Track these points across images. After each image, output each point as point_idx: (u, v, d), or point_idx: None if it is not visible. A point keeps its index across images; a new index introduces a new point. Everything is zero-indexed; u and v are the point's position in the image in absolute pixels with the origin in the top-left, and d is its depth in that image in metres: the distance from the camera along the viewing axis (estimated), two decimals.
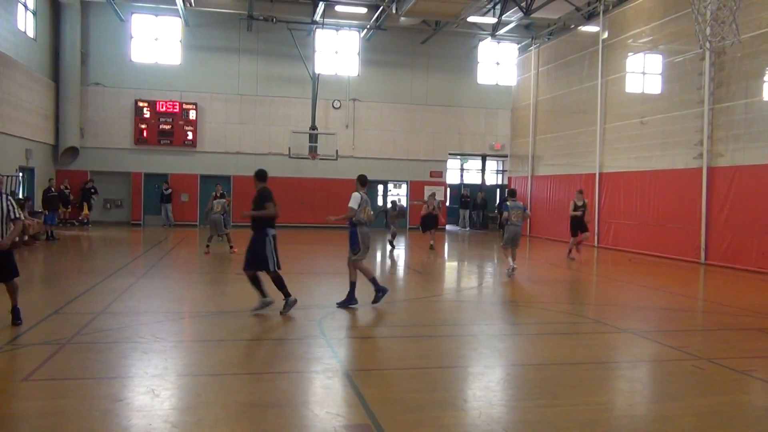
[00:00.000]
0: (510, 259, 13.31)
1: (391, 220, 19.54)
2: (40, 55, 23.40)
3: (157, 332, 7.45)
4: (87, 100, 25.78)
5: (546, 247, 21.80)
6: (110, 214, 26.67)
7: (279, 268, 8.72)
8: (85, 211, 24.99)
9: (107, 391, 5.37)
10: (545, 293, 11.43)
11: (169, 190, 26.35)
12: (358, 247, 9.29)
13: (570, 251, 17.32)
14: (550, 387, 5.80)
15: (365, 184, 9.64)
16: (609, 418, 5.09)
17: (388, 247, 18.88)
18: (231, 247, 16.36)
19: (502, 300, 11.12)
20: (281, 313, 8.58)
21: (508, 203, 13.58)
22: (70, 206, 24.36)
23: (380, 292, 9.38)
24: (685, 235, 17.44)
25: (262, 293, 8.71)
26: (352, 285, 9.39)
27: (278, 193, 27.48)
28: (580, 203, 17.05)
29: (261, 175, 9.04)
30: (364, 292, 9.43)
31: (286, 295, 8.68)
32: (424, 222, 19.62)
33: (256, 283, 8.74)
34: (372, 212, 9.47)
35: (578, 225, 17.00)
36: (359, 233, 9.28)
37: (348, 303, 9.28)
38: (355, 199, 9.30)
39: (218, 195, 16.51)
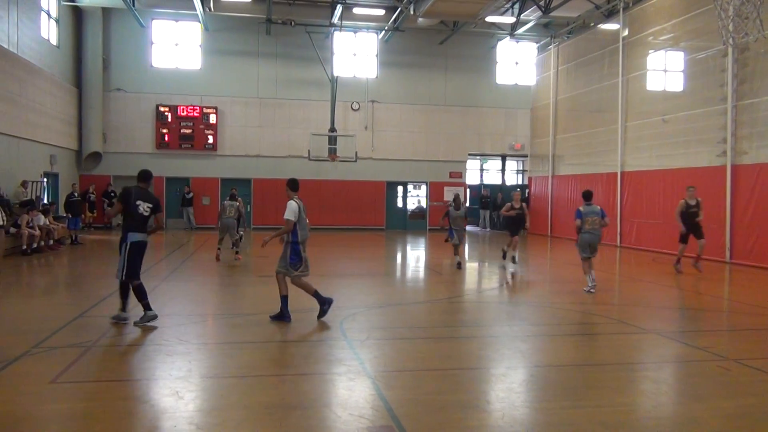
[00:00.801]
0: (590, 274, 11.27)
1: (455, 225, 14.43)
2: (63, 62, 23.77)
3: (181, 335, 7.53)
4: (109, 105, 26.14)
5: (567, 247, 21.57)
6: None
7: (132, 278, 7.95)
8: None
9: (132, 393, 5.44)
10: (567, 294, 11.33)
11: (191, 194, 26.59)
12: (299, 263, 8.27)
13: (678, 260, 14.22)
14: (573, 388, 5.76)
15: (297, 188, 8.43)
16: (634, 420, 5.04)
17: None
18: (236, 252, 15.77)
19: (524, 300, 11.06)
20: (135, 324, 7.84)
21: (581, 209, 11.30)
22: (95, 210, 24.72)
23: (325, 304, 8.41)
24: (709, 234, 17.12)
25: (122, 306, 8.05)
26: (284, 299, 8.31)
27: (299, 196, 26.73)
28: (693, 202, 13.81)
29: (141, 175, 8.42)
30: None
31: (145, 307, 7.90)
32: (512, 224, 15.17)
33: (124, 292, 8.07)
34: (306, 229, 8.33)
35: (693, 229, 13.91)
36: (300, 249, 8.26)
37: (282, 317, 8.27)
38: (291, 209, 8.12)
39: (233, 198, 16.16)
